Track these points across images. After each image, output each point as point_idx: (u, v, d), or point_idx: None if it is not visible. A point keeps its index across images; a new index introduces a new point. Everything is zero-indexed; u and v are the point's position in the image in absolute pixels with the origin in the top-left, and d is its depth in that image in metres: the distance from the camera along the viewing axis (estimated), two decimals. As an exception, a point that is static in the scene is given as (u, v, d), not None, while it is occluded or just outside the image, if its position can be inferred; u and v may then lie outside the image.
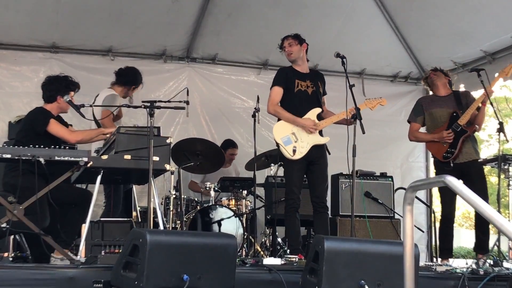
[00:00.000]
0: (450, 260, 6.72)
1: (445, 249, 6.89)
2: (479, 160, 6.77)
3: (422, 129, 7.16)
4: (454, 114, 6.78)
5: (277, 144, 6.38)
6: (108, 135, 5.97)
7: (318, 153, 6.37)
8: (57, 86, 5.89)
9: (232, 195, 7.91)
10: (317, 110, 6.46)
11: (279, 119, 6.50)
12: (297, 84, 6.45)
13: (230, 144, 9.02)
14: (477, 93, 7.08)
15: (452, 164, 6.69)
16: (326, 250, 4.46)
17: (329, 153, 6.46)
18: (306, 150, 6.29)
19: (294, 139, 6.31)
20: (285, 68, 6.70)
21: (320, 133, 6.44)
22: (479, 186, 6.43)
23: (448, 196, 6.71)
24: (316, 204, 6.34)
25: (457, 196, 6.42)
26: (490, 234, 6.69)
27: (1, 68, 8.56)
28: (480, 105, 6.64)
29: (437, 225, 7.13)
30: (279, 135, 6.35)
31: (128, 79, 7.24)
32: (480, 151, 7.14)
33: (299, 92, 6.45)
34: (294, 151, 6.26)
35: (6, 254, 4.96)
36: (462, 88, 8.26)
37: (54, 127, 5.76)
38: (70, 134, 5.87)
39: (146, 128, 5.40)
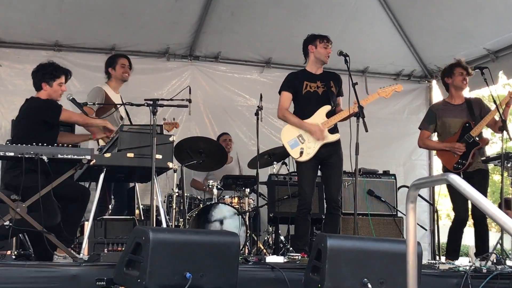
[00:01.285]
0: (454, 258, 6.71)
1: (453, 250, 6.87)
2: (481, 159, 6.76)
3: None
4: (467, 124, 6.77)
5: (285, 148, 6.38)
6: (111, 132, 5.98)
7: (329, 152, 6.28)
8: (42, 73, 5.81)
9: (235, 193, 7.92)
10: (326, 108, 6.36)
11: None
12: (306, 85, 6.39)
13: (220, 135, 9.09)
14: (482, 91, 7.02)
15: (461, 176, 6.66)
16: (329, 248, 4.45)
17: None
18: (314, 151, 6.23)
19: (301, 141, 6.26)
20: (294, 72, 6.67)
21: (332, 130, 6.34)
22: (478, 188, 6.41)
23: (461, 199, 6.60)
24: (329, 204, 6.33)
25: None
26: (494, 232, 6.68)
27: (4, 66, 8.57)
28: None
29: (440, 223, 7.11)
30: (286, 139, 6.32)
31: (106, 68, 7.20)
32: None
33: (308, 94, 6.39)
34: (301, 153, 6.23)
35: (9, 252, 4.97)
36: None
37: (66, 114, 5.78)
38: (81, 117, 5.99)
39: (149, 126, 5.40)
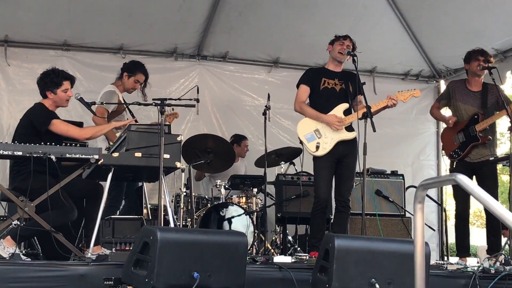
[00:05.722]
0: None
1: (461, 247, 6.88)
2: (490, 159, 6.74)
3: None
4: (476, 116, 6.77)
5: (300, 142, 6.35)
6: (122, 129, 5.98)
7: (345, 151, 6.24)
8: (45, 82, 5.70)
9: (243, 193, 7.92)
10: (344, 105, 6.32)
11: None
12: (323, 82, 6.37)
13: (242, 137, 9.04)
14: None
15: (454, 166, 6.84)
16: (337, 248, 4.45)
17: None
18: (330, 146, 6.19)
19: (317, 135, 6.23)
20: (314, 68, 6.64)
21: (349, 128, 6.30)
22: (489, 186, 6.40)
23: (461, 194, 6.72)
24: (338, 202, 6.31)
25: (470, 194, 6.44)
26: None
27: (13, 66, 8.59)
28: None
29: (448, 223, 7.10)
30: (303, 133, 6.29)
31: (124, 69, 7.12)
32: (496, 148, 7.13)
33: (325, 90, 6.36)
34: (317, 147, 6.19)
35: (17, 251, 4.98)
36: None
37: (58, 127, 5.57)
38: (79, 132, 5.77)
39: (157, 126, 5.40)
